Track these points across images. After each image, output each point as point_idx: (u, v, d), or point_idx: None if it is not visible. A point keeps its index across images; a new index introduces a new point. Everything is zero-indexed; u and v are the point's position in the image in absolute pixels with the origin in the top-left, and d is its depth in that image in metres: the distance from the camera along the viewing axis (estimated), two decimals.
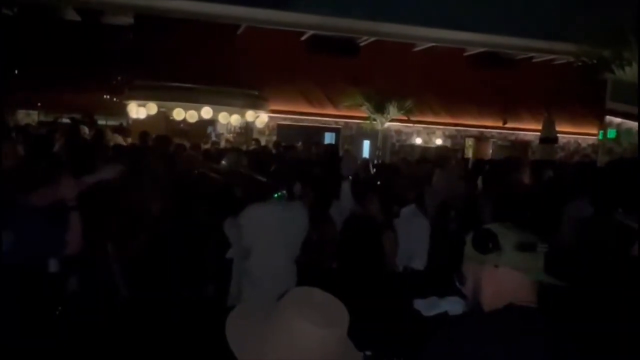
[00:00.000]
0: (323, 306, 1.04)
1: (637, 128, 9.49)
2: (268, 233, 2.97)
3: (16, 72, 11.32)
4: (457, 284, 1.47)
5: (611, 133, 10.55)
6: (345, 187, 4.12)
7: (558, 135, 10.98)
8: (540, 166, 5.96)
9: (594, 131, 13.52)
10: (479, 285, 1.39)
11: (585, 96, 12.52)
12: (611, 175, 3.65)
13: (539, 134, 11.74)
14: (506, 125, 14.32)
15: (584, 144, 14.68)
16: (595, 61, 9.45)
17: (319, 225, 3.46)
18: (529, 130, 14.18)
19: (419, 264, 3.66)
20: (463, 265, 1.45)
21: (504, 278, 1.36)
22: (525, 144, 14.35)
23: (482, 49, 13.03)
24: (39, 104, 12.64)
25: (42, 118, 12.70)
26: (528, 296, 1.35)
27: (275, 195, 3.04)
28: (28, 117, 12.47)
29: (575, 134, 14.37)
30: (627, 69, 8.95)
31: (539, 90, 13.24)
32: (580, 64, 9.95)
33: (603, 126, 11.00)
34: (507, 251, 1.35)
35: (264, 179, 3.34)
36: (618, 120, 10.43)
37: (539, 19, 11.00)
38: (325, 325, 1.00)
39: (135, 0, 10.59)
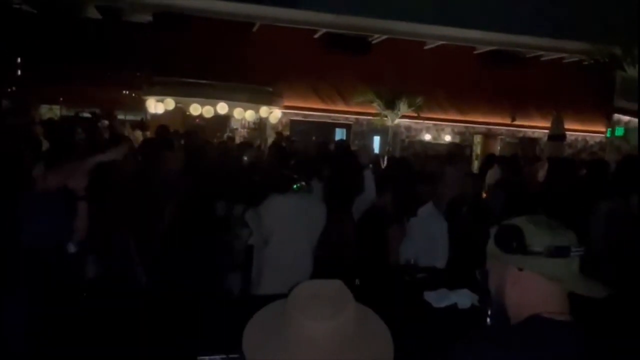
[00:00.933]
0: (325, 298, 1.00)
1: None
2: (286, 222, 2.99)
3: (41, 69, 11.41)
4: (480, 282, 1.32)
5: (619, 131, 10.38)
6: (368, 176, 4.09)
7: (566, 132, 10.83)
8: (568, 164, 5.70)
9: (602, 129, 13.35)
10: (503, 288, 1.22)
11: (593, 94, 12.37)
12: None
13: (546, 131, 11.61)
14: (514, 123, 14.18)
15: (591, 142, 14.48)
16: (606, 59, 9.30)
17: (338, 225, 3.46)
18: (537, 127, 14.03)
19: (441, 263, 3.63)
20: (487, 262, 1.28)
21: (529, 283, 1.18)
22: (533, 141, 14.20)
23: (491, 47, 12.89)
24: (61, 99, 12.76)
25: (64, 112, 12.81)
26: (559, 306, 1.16)
27: (295, 186, 3.05)
28: (50, 111, 12.60)
29: (583, 132, 14.19)
30: (638, 66, 8.79)
31: (547, 89, 13.10)
32: (590, 62, 9.79)
33: (611, 124, 10.84)
34: (534, 253, 1.16)
35: (284, 172, 3.34)
36: (626, 118, 10.27)
37: (549, 17, 10.84)
38: (326, 317, 0.97)
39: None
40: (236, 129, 12.66)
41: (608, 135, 11.23)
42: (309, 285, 1.04)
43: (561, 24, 10.88)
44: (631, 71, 9.05)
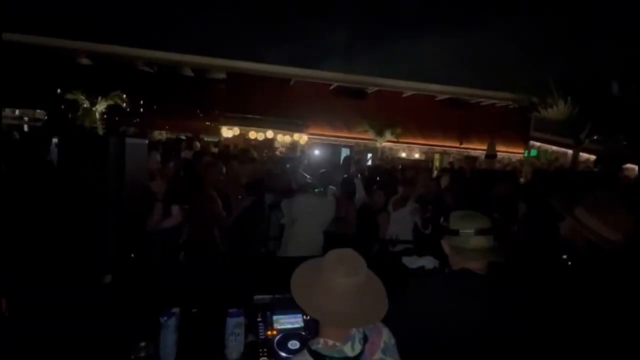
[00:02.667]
0: (348, 261, 1.01)
1: (551, 150, 9.15)
2: (306, 212, 2.96)
3: (155, 107, 11.67)
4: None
5: (534, 152, 10.18)
6: (358, 183, 4.07)
7: (497, 152, 10.66)
8: (460, 173, 5.62)
9: (521, 150, 13.07)
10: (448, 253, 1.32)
11: (515, 127, 12.13)
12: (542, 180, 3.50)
13: (484, 151, 11.45)
14: (462, 145, 13.98)
15: (513, 159, 14.19)
16: (526, 104, 9.16)
17: (344, 207, 3.46)
18: (477, 149, 13.81)
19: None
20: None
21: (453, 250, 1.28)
22: (474, 158, 13.95)
23: (447, 96, 12.75)
24: (166, 127, 12.97)
25: (168, 136, 12.99)
26: (477, 265, 1.24)
27: (316, 190, 3.05)
28: (160, 135, 12.84)
29: (508, 152, 13.91)
30: (549, 109, 8.63)
31: (485, 123, 12.90)
32: (515, 106, 9.64)
33: (528, 147, 10.64)
34: (451, 232, 1.28)
35: (310, 179, 3.34)
36: (538, 144, 10.07)
37: (486, 75, 10.72)
38: (350, 275, 0.98)
39: (226, 63, 10.80)
40: (277, 147, 12.73)
41: (526, 155, 11.01)
42: (337, 252, 1.04)
43: (494, 80, 10.76)
44: (544, 113, 8.89)
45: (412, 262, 2.87)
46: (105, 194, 1.37)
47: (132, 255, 1.55)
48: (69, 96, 10.20)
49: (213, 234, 2.94)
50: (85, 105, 10.39)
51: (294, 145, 12.44)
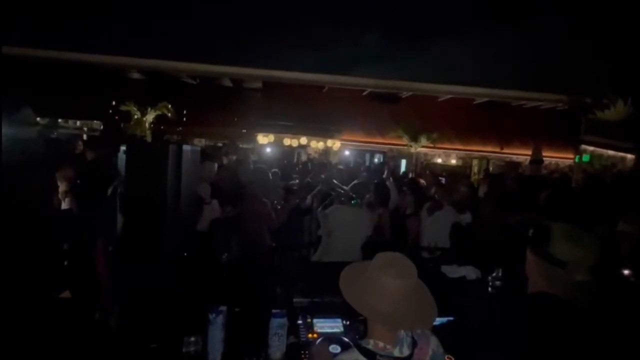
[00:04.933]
0: (398, 264, 1.00)
1: (606, 154, 8.41)
2: (342, 226, 2.92)
3: (196, 116, 12.33)
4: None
5: (586, 157, 9.39)
6: (391, 186, 4.01)
7: (543, 157, 9.98)
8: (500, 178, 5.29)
9: (570, 155, 12.12)
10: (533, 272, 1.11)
11: (563, 130, 11.31)
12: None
13: (527, 157, 10.76)
14: (502, 151, 13.27)
15: (562, 165, 13.19)
16: (577, 106, 8.51)
17: (378, 214, 3.43)
18: (519, 154, 13.04)
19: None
20: (529, 252, 1.19)
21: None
22: (516, 164, 13.18)
23: (485, 99, 12.21)
24: (205, 135, 13.59)
25: (207, 142, 13.59)
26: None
27: (353, 202, 2.99)
28: (199, 142, 13.52)
29: (555, 157, 12.98)
30: (606, 110, 7.96)
31: (528, 126, 12.18)
32: (564, 107, 8.98)
33: (579, 152, 9.85)
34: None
35: (347, 189, 3.25)
36: (591, 148, 9.28)
37: (531, 75, 10.09)
38: (399, 277, 0.97)
39: (262, 72, 11.21)
40: (310, 153, 12.87)
41: (577, 160, 10.18)
42: (385, 254, 1.04)
43: (541, 82, 10.11)
44: (600, 114, 8.20)
45: (452, 271, 2.77)
46: (166, 195, 1.51)
47: (185, 253, 1.69)
48: (123, 108, 11.13)
49: (264, 232, 3.05)
50: (136, 116, 11.27)
51: (325, 152, 12.53)
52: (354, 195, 3.05)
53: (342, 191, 3.25)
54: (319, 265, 2.85)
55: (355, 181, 3.44)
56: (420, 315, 0.99)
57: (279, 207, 3.41)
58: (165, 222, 1.61)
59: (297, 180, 4.62)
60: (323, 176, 4.13)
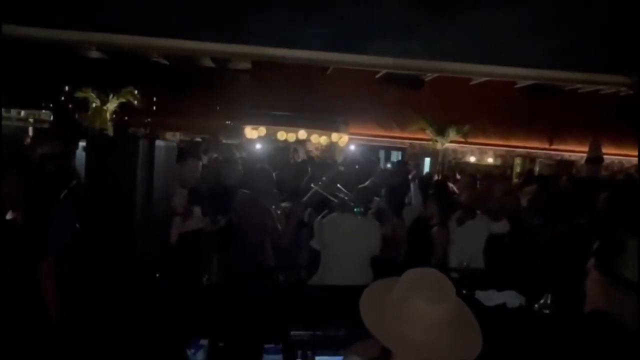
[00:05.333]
0: (433, 284, 0.99)
1: None
2: (339, 237, 2.93)
3: (168, 105, 12.44)
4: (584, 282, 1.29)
5: None
6: (417, 193, 4.02)
7: (603, 155, 9.96)
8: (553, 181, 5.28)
9: (636, 153, 12.07)
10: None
11: (629, 121, 11.28)
12: None
13: (582, 154, 10.74)
14: (552, 147, 13.25)
15: (626, 164, 13.14)
16: None
17: (390, 223, 3.44)
18: (573, 151, 13.01)
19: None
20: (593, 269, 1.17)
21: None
22: (569, 163, 13.15)
23: (531, 82, 12.21)
24: (181, 128, 13.67)
25: (181, 137, 13.66)
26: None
27: (355, 210, 3.00)
28: (173, 137, 13.59)
29: (618, 155, 12.93)
30: None
31: (584, 116, 12.14)
32: (629, 92, 8.93)
33: None
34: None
35: (349, 195, 3.26)
36: None
37: (588, 52, 10.07)
38: (437, 301, 0.96)
39: (251, 50, 11.30)
40: (310, 150, 12.91)
41: None
42: (417, 271, 1.03)
43: (598, 59, 10.09)
44: None
45: (490, 297, 2.78)
46: (135, 202, 1.54)
47: (157, 274, 1.70)
48: (78, 94, 11.21)
49: (267, 248, 3.05)
50: (95, 105, 11.36)
51: (329, 148, 12.58)
52: (354, 202, 3.06)
53: (345, 197, 3.26)
54: (321, 290, 2.85)
55: (361, 186, 3.45)
56: (462, 344, 0.98)
57: (285, 217, 3.43)
58: (135, 236, 1.63)
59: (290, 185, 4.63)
60: (324, 178, 4.14)
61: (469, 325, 1.03)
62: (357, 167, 5.55)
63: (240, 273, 2.85)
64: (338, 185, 3.60)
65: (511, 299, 2.75)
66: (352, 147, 12.23)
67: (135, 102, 11.47)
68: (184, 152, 2.68)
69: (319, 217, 3.21)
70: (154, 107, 12.42)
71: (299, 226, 3.74)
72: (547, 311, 2.49)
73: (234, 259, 2.92)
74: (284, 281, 3.26)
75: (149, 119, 12.79)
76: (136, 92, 11.46)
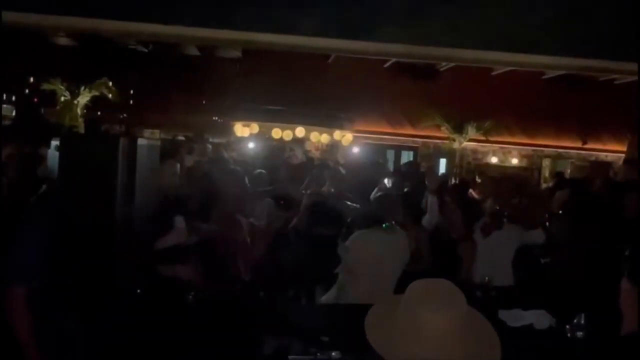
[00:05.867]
0: (440, 293, 1.04)
1: None
2: (368, 260, 2.94)
3: (148, 99, 12.50)
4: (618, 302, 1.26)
5: None
6: (433, 201, 4.04)
7: None
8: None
9: None
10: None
11: None
12: None
13: (620, 154, 10.80)
14: (585, 146, 13.29)
15: None
16: None
17: (411, 236, 3.45)
18: (610, 151, 13.05)
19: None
20: (623, 282, 1.25)
21: None
22: (605, 165, 13.19)
23: (561, 72, 12.25)
24: (162, 125, 13.68)
25: (162, 135, 13.65)
26: None
27: (384, 225, 2.99)
28: (152, 134, 13.63)
29: None
30: None
31: (622, 111, 12.16)
32: None
33: None
34: None
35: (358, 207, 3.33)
36: None
37: (627, 39, 10.06)
38: (444, 309, 1.00)
39: (243, 36, 11.34)
40: (309, 150, 12.95)
41: None
42: (424, 282, 1.07)
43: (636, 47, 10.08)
44: None
45: (515, 317, 2.79)
46: (114, 209, 1.56)
47: (139, 290, 1.70)
48: (45, 86, 11.26)
49: (237, 264, 3.09)
50: (64, 98, 11.41)
51: (331, 148, 12.62)
52: (379, 215, 3.07)
53: (353, 207, 3.26)
54: (330, 310, 2.87)
55: (379, 193, 3.45)
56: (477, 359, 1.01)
57: (264, 227, 3.45)
58: (115, 247, 1.64)
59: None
60: (333, 190, 4.12)
61: (487, 338, 1.06)
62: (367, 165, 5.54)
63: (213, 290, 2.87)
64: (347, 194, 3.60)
65: (540, 319, 2.78)
66: (357, 148, 12.29)
67: (110, 95, 11.53)
68: (162, 153, 2.68)
69: (340, 239, 3.17)
70: (131, 102, 12.48)
71: (285, 239, 3.77)
72: (581, 334, 2.51)
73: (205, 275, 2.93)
74: (265, 299, 3.28)
75: (124, 115, 12.84)
76: (110, 84, 11.51)
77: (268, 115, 11.03)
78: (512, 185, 5.37)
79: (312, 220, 3.88)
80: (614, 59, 11.14)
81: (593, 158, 13.43)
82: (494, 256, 3.47)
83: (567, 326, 2.55)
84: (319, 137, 11.23)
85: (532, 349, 2.51)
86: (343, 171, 5.85)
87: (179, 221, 2.67)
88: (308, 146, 12.91)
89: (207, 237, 2.87)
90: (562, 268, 3.54)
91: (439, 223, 3.90)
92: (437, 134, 12.39)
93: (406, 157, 13.28)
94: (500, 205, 4.01)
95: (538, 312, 2.90)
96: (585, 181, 6.23)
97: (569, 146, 13.31)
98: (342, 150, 12.24)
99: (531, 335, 2.68)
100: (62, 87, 11.26)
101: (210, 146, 8.27)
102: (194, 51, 12.40)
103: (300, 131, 10.85)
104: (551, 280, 3.65)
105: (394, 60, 12.18)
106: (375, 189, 4.75)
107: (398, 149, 13.42)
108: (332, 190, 4.33)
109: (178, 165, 3.42)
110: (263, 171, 4.68)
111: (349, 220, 3.29)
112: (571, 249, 3.60)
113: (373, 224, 3.02)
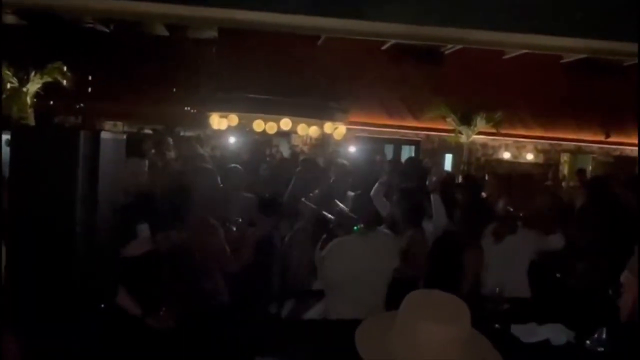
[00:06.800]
0: (441, 305, 1.10)
1: None
2: (347, 270, 2.96)
3: (108, 86, 12.42)
4: (612, 294, 1.39)
5: None
6: (437, 201, 4.09)
7: None
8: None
9: None
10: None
11: None
12: None
13: None
14: (609, 140, 13.52)
15: None
16: None
17: (405, 237, 3.50)
18: (637, 145, 13.27)
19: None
20: (624, 277, 1.33)
21: None
22: (631, 160, 13.42)
23: (582, 55, 12.41)
24: (125, 116, 13.63)
25: (127, 129, 13.65)
26: None
27: (354, 228, 3.05)
28: (115, 127, 13.57)
29: None
30: None
31: None
32: None
33: None
34: None
35: (344, 209, 3.33)
36: None
37: None
38: (445, 322, 1.05)
39: (218, 14, 11.31)
40: (296, 145, 12.99)
41: None
42: (421, 292, 1.14)
43: None
44: None
45: (529, 332, 2.85)
46: (75, 211, 1.57)
47: (103, 305, 1.72)
48: None
49: (215, 277, 3.10)
50: (11, 85, 11.28)
51: (323, 142, 12.65)
52: (355, 217, 3.11)
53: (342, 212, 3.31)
54: (317, 327, 2.90)
55: (356, 192, 3.48)
56: None
57: (243, 233, 3.48)
58: (75, 256, 1.66)
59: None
60: (316, 192, 4.14)
61: (489, 357, 1.13)
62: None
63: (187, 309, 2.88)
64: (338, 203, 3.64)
65: (557, 333, 2.84)
66: (351, 142, 12.33)
67: (65, 82, 11.42)
68: (128, 149, 2.70)
69: (319, 246, 3.22)
70: (89, 89, 12.38)
71: (268, 248, 3.80)
72: (602, 349, 2.58)
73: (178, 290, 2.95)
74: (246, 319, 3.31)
75: (81, 105, 12.74)
76: (65, 69, 11.41)
77: (248, 104, 11.01)
78: (527, 184, 5.47)
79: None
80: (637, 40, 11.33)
81: (617, 153, 13.64)
82: (507, 264, 3.52)
83: (587, 341, 2.61)
84: (308, 130, 11.26)
85: None
86: (346, 163, 5.89)
87: (142, 229, 2.69)
88: (295, 140, 12.95)
89: (177, 245, 2.88)
90: (582, 278, 3.62)
91: (446, 226, 3.94)
92: (442, 126, 12.49)
93: (407, 152, 13.37)
94: (514, 207, 4.07)
95: (555, 326, 2.96)
96: (607, 180, 6.32)
97: (591, 139, 13.51)
98: (335, 145, 12.29)
99: (547, 352, 2.74)
100: (8, 73, 11.13)
101: (171, 140, 8.20)
102: (162, 31, 12.36)
103: (285, 123, 10.87)
104: (569, 292, 3.73)
105: (393, 42, 12.24)
106: (375, 187, 4.80)
107: (398, 144, 13.51)
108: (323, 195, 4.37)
109: (146, 163, 3.48)
110: (238, 166, 4.69)
111: (331, 226, 3.33)
112: (591, 257, 3.68)
113: (346, 229, 3.09)
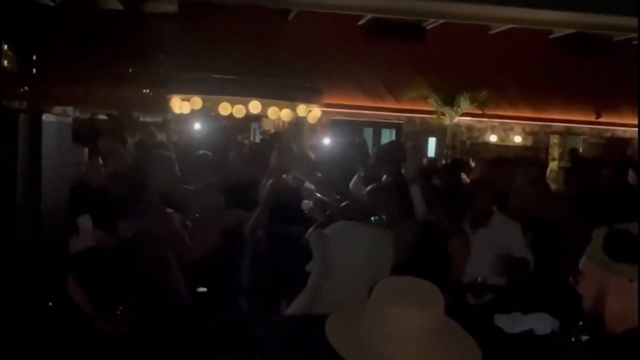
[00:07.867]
0: (412, 290, 1.15)
1: None
2: (351, 256, 3.02)
3: (56, 67, 12.14)
4: (572, 283, 1.43)
5: None
6: (416, 192, 4.16)
7: None
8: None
9: None
10: (604, 297, 1.32)
11: None
12: None
13: None
14: (600, 120, 13.83)
15: None
16: None
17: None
18: (629, 125, 13.63)
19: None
20: (583, 264, 1.39)
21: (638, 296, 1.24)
22: (623, 142, 13.79)
23: (571, 30, 12.64)
24: (76, 100, 13.36)
25: (78, 115, 13.38)
26: None
27: (372, 218, 3.14)
28: (65, 112, 13.29)
29: None
30: None
31: None
32: None
33: None
34: None
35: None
36: None
37: None
38: (414, 307, 1.09)
39: None
40: (267, 130, 12.95)
41: None
42: (395, 278, 1.22)
43: None
44: None
45: (513, 323, 2.95)
46: (15, 201, 1.55)
47: (51, 303, 1.71)
48: None
49: (171, 268, 3.12)
50: None
51: (297, 126, 12.64)
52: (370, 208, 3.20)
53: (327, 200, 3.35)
54: (300, 322, 2.94)
55: (371, 187, 3.52)
56: None
57: (205, 225, 3.50)
58: (17, 250, 1.65)
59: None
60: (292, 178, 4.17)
61: (464, 343, 1.19)
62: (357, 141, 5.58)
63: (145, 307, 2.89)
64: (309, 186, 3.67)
65: (541, 323, 2.94)
66: (326, 126, 12.36)
67: (6, 62, 11.15)
68: (75, 134, 2.71)
69: (313, 228, 3.27)
70: (34, 71, 12.08)
71: (239, 240, 3.82)
72: (587, 337, 2.68)
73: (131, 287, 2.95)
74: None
75: (26, 88, 12.45)
76: (6, 47, 11.13)
77: (213, 86, 10.90)
78: (512, 168, 5.59)
79: (276, 218, 3.95)
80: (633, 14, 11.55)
81: (609, 134, 13.97)
82: (489, 252, 3.61)
83: (573, 330, 2.71)
84: (279, 113, 11.22)
85: (531, 357, 2.66)
86: (312, 155, 5.91)
87: (84, 221, 2.68)
88: (266, 125, 12.90)
89: (128, 238, 2.88)
90: (566, 264, 3.73)
91: (427, 216, 4.01)
92: (425, 108, 12.57)
93: (388, 136, 13.45)
94: (498, 192, 4.17)
95: (539, 315, 3.06)
96: (596, 162, 6.49)
97: (581, 120, 13.79)
98: (309, 129, 12.30)
99: (531, 342, 2.83)
100: None
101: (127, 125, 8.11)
102: (116, 5, 12.10)
103: (255, 106, 10.80)
104: (555, 279, 3.84)
105: (370, 16, 12.25)
106: (354, 177, 4.84)
107: (378, 127, 13.58)
108: (298, 178, 4.41)
109: (86, 150, 3.55)
110: (208, 153, 4.69)
111: (328, 212, 3.40)
112: (578, 242, 3.79)
113: (361, 216, 3.13)
